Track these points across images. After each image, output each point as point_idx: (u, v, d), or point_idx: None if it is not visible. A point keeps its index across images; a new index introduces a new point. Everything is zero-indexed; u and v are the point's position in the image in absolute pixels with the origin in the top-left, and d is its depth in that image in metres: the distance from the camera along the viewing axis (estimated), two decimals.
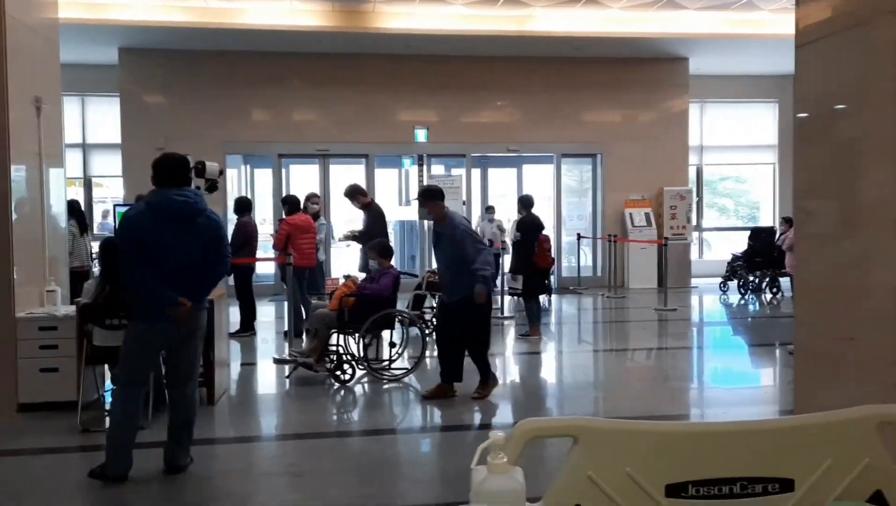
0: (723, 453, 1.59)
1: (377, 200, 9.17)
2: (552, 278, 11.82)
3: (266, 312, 10.61)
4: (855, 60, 2.45)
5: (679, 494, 1.57)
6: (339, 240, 10.36)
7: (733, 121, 14.91)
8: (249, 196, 11.70)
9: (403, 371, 6.73)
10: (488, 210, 12.23)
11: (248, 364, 7.87)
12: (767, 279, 12.14)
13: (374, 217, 8.31)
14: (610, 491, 1.57)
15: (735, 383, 7.20)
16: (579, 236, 13.66)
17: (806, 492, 1.59)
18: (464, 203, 12.21)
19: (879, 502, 1.61)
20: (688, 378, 7.46)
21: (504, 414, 5.78)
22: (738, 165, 15.54)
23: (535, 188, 12.42)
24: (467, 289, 5.75)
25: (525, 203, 9.07)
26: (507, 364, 7.92)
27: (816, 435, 1.62)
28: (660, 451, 1.59)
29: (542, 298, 10.58)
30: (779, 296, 12.01)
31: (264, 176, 13.42)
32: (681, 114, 13.85)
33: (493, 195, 13.20)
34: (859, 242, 2.47)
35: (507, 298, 10.92)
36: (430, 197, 6.05)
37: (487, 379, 6.00)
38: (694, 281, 13.57)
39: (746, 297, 12.27)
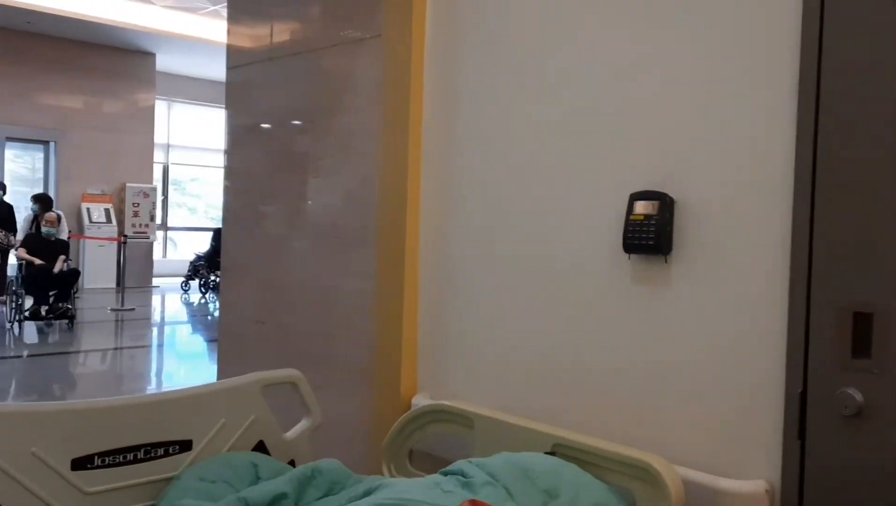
0: (127, 424, 1.75)
1: None
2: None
3: None
4: (279, 86, 2.90)
5: (85, 465, 1.68)
6: None
7: (202, 122, 15.33)
8: None
9: None
10: None
11: None
12: None
13: None
14: (14, 472, 1.58)
15: (190, 378, 7.47)
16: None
17: (203, 448, 1.86)
18: None
19: (262, 449, 1.97)
20: (143, 377, 7.46)
21: None
22: (206, 167, 16.03)
23: None
24: None
25: None
26: None
27: (212, 400, 1.91)
28: (65, 428, 1.67)
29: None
30: None
31: None
32: (147, 109, 13.66)
33: None
34: (266, 241, 2.91)
35: None
36: None
37: None
38: (158, 280, 13.52)
39: (207, 295, 12.74)
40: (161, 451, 1.80)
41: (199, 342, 9.71)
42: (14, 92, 12.04)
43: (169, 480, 1.78)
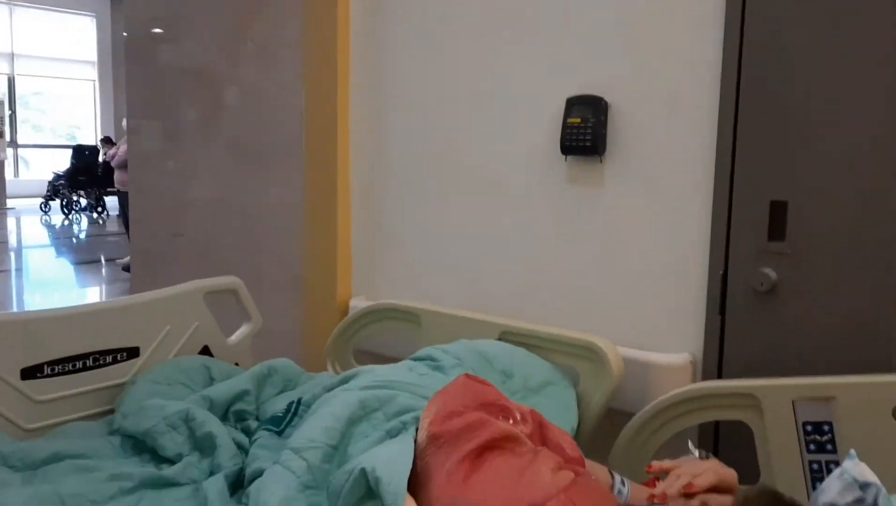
0: (75, 333, 1.72)
1: None
2: None
3: None
4: None
5: (35, 375, 1.65)
6: None
7: (50, 31, 13.97)
8: None
9: None
10: None
11: None
12: (93, 198, 12.08)
13: None
14: None
15: (54, 302, 7.12)
16: None
17: (150, 355, 1.86)
18: None
19: (207, 354, 1.99)
20: (4, 305, 7.04)
21: None
22: (56, 80, 14.71)
23: None
24: None
25: None
26: None
27: (157, 308, 1.90)
28: (13, 339, 1.62)
29: None
30: (104, 214, 12.12)
31: None
32: None
33: None
34: (181, 157, 2.83)
35: None
36: None
37: None
38: (12, 202, 12.53)
39: (71, 216, 11.99)
40: (109, 358, 1.79)
41: (64, 266, 9.18)
42: None
43: (120, 386, 1.78)
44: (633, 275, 1.82)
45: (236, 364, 2.02)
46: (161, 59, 2.88)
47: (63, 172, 11.96)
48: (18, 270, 8.70)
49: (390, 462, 1.05)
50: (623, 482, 1.24)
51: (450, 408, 1.15)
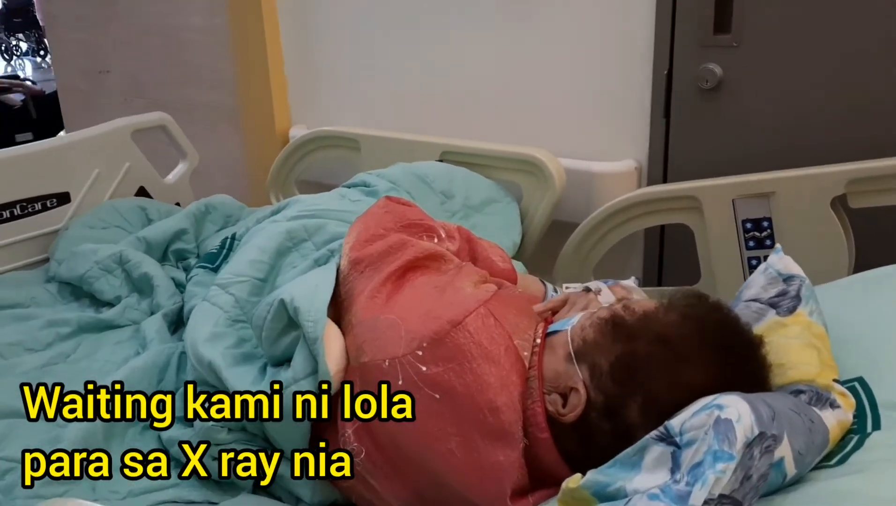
0: None
1: None
2: None
3: None
4: None
5: None
6: None
7: None
8: None
9: None
10: None
11: None
12: (33, 41, 11.40)
13: None
14: None
15: None
16: None
17: (82, 199, 1.79)
18: None
19: (144, 195, 1.93)
20: None
21: None
22: None
23: None
24: None
25: None
26: None
27: (82, 150, 1.80)
28: None
29: None
30: (48, 58, 11.49)
31: None
32: None
33: None
34: None
35: None
36: None
37: None
38: None
39: (13, 63, 11.36)
40: (38, 206, 1.73)
41: None
42: None
43: (55, 233, 1.73)
44: (574, 83, 1.73)
45: (178, 204, 1.97)
46: None
47: None
48: None
49: (309, 291, 1.02)
50: (556, 291, 1.24)
51: (371, 231, 1.11)
